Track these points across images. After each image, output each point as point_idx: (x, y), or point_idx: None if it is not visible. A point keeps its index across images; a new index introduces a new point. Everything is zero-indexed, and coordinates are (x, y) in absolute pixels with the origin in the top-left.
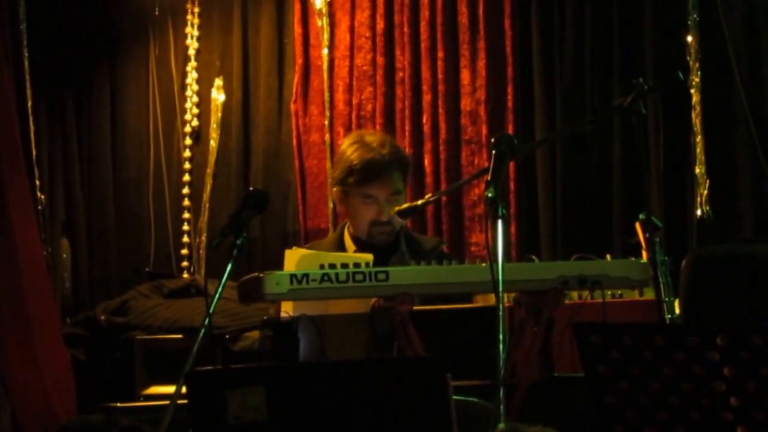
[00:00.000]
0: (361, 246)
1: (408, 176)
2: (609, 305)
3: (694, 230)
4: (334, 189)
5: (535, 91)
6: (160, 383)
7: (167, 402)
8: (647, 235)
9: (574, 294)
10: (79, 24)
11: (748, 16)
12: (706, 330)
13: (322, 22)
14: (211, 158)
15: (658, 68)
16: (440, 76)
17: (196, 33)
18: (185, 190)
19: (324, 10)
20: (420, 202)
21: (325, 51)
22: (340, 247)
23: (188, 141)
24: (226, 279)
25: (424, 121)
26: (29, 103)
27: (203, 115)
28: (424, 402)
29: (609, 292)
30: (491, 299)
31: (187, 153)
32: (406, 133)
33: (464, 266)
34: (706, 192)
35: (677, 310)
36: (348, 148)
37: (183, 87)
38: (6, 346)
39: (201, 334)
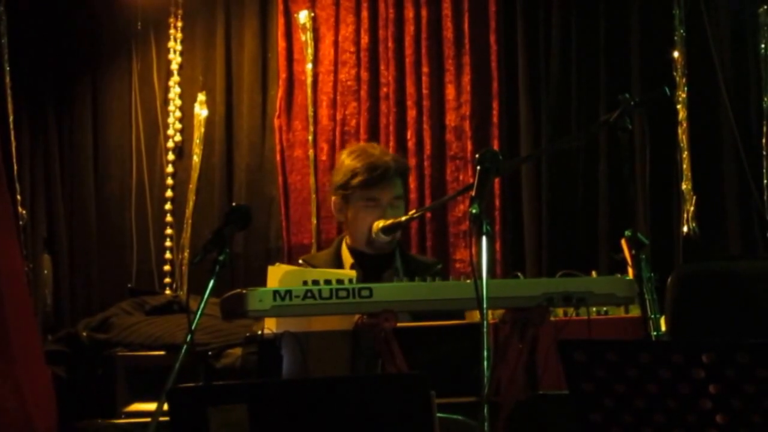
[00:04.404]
0: (360, 259)
1: (407, 184)
2: (594, 322)
3: (680, 247)
4: (333, 198)
5: (521, 107)
6: (142, 400)
7: (149, 419)
8: (633, 251)
9: (560, 311)
10: (60, 38)
11: (734, 32)
12: (691, 347)
13: (306, 37)
14: (194, 174)
15: (645, 84)
16: (425, 91)
17: (178, 47)
18: (168, 206)
19: (308, 25)
20: (404, 218)
21: (309, 66)
22: (337, 260)
23: (171, 156)
24: (209, 295)
25: (409, 136)
26: (11, 118)
27: (186, 130)
28: (407, 419)
29: (594, 309)
30: (478, 316)
31: (170, 168)
32: (391, 149)
33: (449, 283)
34: (692, 208)
35: (663, 327)
36: (349, 156)
37: (165, 102)
38: None
39: (183, 351)
